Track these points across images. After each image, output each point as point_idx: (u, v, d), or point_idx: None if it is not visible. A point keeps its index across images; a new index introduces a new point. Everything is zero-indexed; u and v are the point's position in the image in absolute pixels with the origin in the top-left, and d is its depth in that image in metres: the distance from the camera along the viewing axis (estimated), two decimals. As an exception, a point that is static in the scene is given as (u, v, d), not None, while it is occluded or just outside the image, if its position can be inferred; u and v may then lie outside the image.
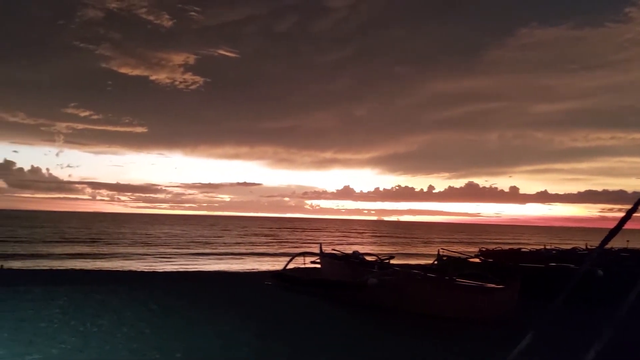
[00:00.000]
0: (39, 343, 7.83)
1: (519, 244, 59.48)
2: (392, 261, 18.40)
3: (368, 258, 18.40)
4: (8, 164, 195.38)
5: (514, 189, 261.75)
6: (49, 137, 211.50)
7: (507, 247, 35.32)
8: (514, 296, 11.14)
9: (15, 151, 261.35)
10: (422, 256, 39.15)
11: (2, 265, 21.80)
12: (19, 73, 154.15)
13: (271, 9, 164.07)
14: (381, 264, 16.72)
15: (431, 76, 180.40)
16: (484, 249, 28.61)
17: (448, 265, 18.23)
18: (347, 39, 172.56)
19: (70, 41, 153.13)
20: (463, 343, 9.16)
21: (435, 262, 19.79)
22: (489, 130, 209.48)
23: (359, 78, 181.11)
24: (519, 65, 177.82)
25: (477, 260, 21.27)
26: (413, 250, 49.24)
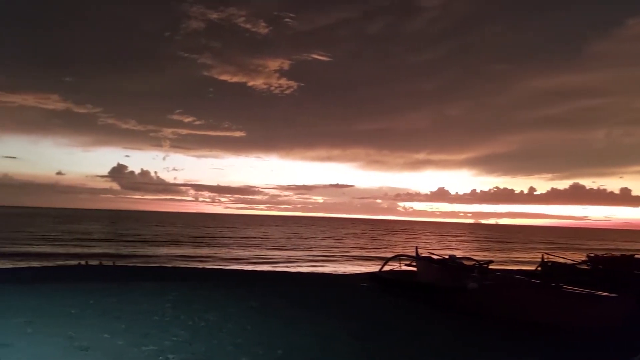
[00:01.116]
0: (153, 335, 8.39)
1: (632, 250, 55.10)
2: (491, 266, 17.77)
3: (465, 262, 17.90)
4: (120, 167, 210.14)
5: (625, 191, 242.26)
6: (156, 142, 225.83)
7: (618, 253, 32.87)
8: (629, 307, 10.36)
9: (127, 156, 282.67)
10: (523, 262, 37.38)
11: (114, 262, 23.49)
12: (130, 83, 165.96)
13: (363, 12, 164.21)
14: (481, 269, 16.19)
15: (530, 73, 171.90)
16: (592, 255, 26.80)
17: (553, 272, 17.29)
18: (441, 38, 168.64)
19: (175, 52, 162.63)
20: (573, 355, 8.67)
21: (539, 268, 18.84)
22: (595, 128, 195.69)
23: (453, 77, 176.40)
24: (627, 58, 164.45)
25: (585, 267, 20.00)
26: (512, 255, 47.16)
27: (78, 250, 33.48)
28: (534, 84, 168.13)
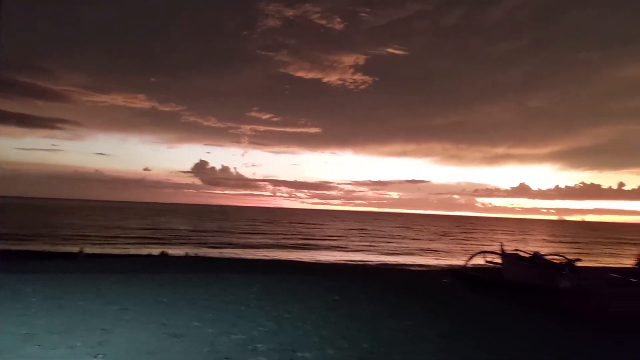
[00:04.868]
0: (241, 324, 8.58)
1: None
2: (579, 264, 16.82)
3: (550, 259, 17.04)
4: (202, 163, 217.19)
5: None
6: (235, 138, 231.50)
7: None
8: None
9: (208, 152, 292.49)
10: (613, 258, 35.29)
11: (196, 254, 24.35)
12: (210, 82, 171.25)
13: (439, 3, 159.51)
14: (571, 266, 15.38)
15: (621, 60, 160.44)
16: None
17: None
18: (522, 28, 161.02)
19: (252, 50, 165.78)
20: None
21: (636, 266, 17.66)
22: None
23: (535, 68, 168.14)
24: None
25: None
26: (600, 252, 44.60)
27: (164, 241, 35.03)
28: (623, 73, 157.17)
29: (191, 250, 27.18)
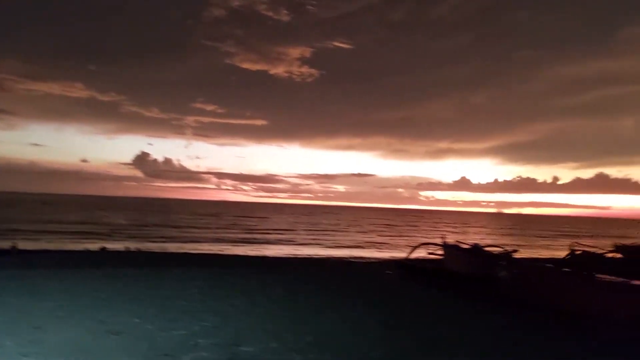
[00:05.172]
0: (182, 320, 8.40)
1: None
2: (516, 255, 17.47)
3: (489, 250, 17.62)
4: (144, 155, 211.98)
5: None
6: (179, 130, 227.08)
7: None
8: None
9: (150, 144, 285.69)
10: (547, 250, 36.90)
11: (137, 248, 23.68)
12: (153, 72, 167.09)
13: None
14: (508, 257, 15.93)
15: (557, 60, 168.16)
16: (620, 245, 26.24)
17: (583, 260, 16.95)
18: (466, 25, 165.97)
19: (197, 40, 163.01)
20: (607, 344, 8.44)
21: (568, 257, 18.49)
22: (623, 117, 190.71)
23: (477, 65, 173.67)
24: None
25: (617, 255, 19.57)
26: (536, 244, 46.54)
27: (103, 236, 33.95)
28: (561, 71, 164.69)
29: (132, 245, 26.43)
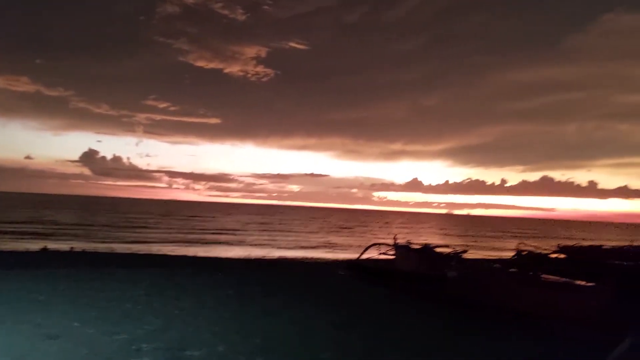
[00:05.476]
0: (125, 323, 8.08)
1: (598, 240, 56.10)
2: (465, 255, 17.79)
3: (439, 251, 17.88)
4: (92, 152, 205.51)
5: (592, 184, 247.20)
6: (129, 127, 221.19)
7: (586, 243, 33.35)
8: (606, 296, 10.39)
9: (99, 141, 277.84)
10: (495, 250, 37.85)
11: (83, 249, 22.83)
12: (103, 67, 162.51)
13: (341, 0, 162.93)
14: (458, 258, 16.18)
15: (507, 65, 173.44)
16: (562, 245, 27.16)
17: (529, 261, 17.41)
18: (420, 28, 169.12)
19: (150, 36, 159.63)
20: (550, 344, 8.63)
21: (515, 257, 18.96)
22: (567, 122, 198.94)
23: (431, 68, 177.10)
24: (601, 53, 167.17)
25: (561, 256, 20.22)
26: (485, 244, 47.71)
27: (46, 235, 32.63)
28: (511, 77, 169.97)
29: (78, 245, 25.48)
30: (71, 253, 21.25)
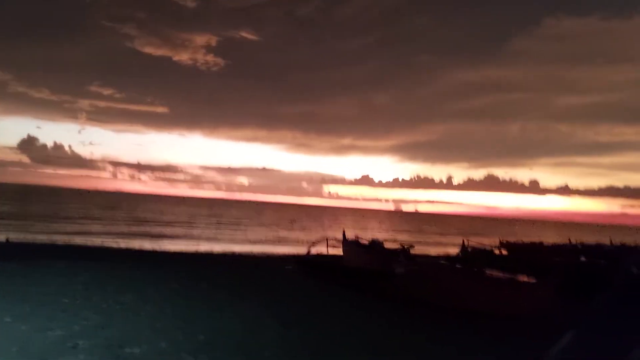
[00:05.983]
0: (61, 319, 7.69)
1: (538, 237, 58.21)
2: (412, 251, 18.03)
3: (387, 246, 18.05)
4: (31, 139, 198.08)
5: (534, 182, 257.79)
6: (72, 114, 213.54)
7: (527, 240, 34.55)
8: (548, 293, 10.70)
9: (38, 127, 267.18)
10: (441, 246, 38.66)
11: (7, 239, 21.70)
12: (44, 51, 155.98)
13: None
14: (405, 253, 16.35)
15: (454, 65, 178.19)
16: (504, 242, 28.04)
17: (474, 257, 17.83)
18: (370, 26, 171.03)
19: (96, 20, 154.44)
20: (494, 339, 8.82)
21: (460, 253, 19.39)
22: (510, 121, 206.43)
23: (380, 65, 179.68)
24: (544, 56, 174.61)
25: (504, 252, 20.83)
26: (431, 240, 48.68)
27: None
28: (457, 76, 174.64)
29: (14, 236, 24.29)
30: (6, 244, 20.23)
